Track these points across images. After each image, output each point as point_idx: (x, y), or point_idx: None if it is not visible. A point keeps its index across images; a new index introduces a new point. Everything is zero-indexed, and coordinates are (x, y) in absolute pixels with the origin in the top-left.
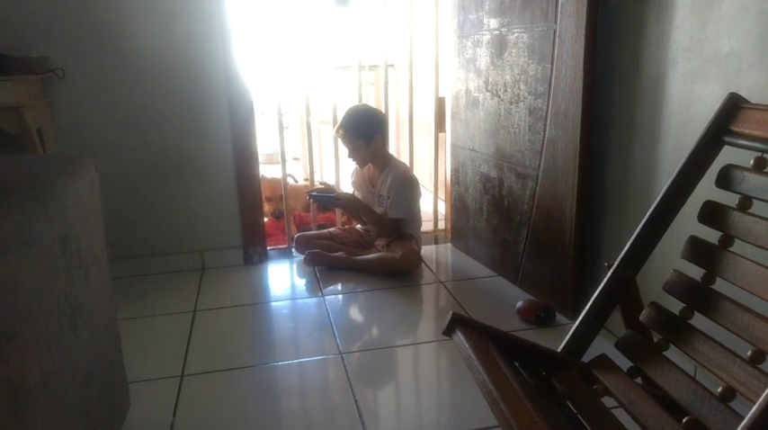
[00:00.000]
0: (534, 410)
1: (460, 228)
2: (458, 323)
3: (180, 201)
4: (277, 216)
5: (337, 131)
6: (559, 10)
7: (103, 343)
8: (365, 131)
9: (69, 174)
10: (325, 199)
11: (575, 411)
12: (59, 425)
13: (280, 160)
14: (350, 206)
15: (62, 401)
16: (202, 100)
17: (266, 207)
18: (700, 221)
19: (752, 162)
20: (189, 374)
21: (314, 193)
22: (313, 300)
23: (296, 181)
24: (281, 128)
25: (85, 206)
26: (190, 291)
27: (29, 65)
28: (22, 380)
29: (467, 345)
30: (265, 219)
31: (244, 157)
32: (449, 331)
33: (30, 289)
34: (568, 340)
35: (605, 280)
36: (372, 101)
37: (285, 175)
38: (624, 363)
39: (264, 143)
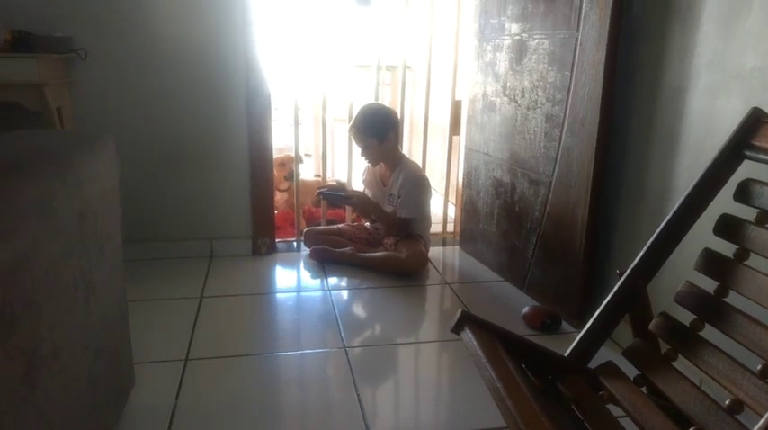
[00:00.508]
0: (540, 409)
1: (470, 231)
2: (466, 321)
3: (192, 188)
4: (289, 178)
5: (350, 129)
6: (582, 18)
7: (113, 321)
8: (378, 130)
9: (89, 151)
10: (336, 197)
11: (580, 416)
12: (67, 398)
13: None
14: (360, 204)
15: (71, 375)
16: (221, 89)
17: (278, 173)
18: (715, 234)
19: None
20: (193, 359)
21: (324, 191)
22: (318, 294)
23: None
24: (296, 123)
25: (103, 183)
26: (197, 277)
27: (52, 44)
28: (34, 350)
29: (475, 343)
30: (275, 212)
31: (258, 149)
32: (457, 328)
33: (47, 260)
34: (575, 346)
35: (616, 287)
36: (388, 101)
37: (297, 154)
38: (631, 372)
39: (277, 138)
